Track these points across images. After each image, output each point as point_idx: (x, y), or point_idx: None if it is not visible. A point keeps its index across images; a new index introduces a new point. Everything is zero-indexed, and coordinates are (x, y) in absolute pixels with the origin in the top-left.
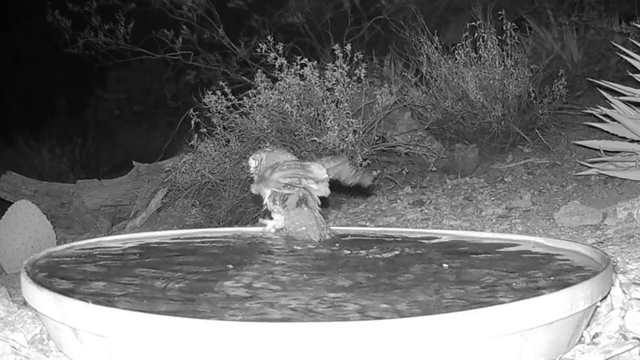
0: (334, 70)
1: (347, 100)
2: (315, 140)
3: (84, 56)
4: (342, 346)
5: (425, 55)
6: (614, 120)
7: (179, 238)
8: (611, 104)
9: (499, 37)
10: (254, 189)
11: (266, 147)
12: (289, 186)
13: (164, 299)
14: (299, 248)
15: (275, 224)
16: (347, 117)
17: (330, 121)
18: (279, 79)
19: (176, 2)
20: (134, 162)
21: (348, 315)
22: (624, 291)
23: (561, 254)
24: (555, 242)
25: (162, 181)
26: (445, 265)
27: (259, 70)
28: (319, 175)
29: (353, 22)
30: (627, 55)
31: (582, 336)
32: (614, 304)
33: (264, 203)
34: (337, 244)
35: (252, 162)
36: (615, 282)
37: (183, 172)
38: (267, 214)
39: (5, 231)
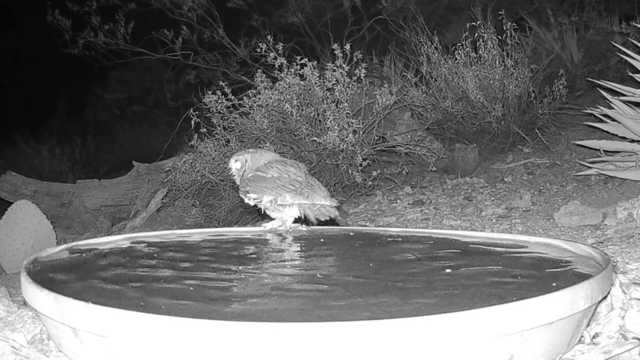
0: (334, 70)
1: (347, 100)
2: (315, 140)
3: (84, 56)
4: (341, 346)
5: (425, 55)
6: (614, 120)
7: (180, 238)
8: (611, 104)
9: (499, 37)
10: (250, 201)
11: (250, 148)
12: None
13: (165, 299)
14: (304, 247)
15: (274, 224)
16: (347, 117)
17: (330, 121)
18: (279, 79)
19: (176, 2)
20: (134, 162)
21: (355, 316)
22: (624, 291)
23: (561, 254)
24: (554, 242)
25: (162, 181)
26: (448, 271)
27: (259, 70)
28: (325, 203)
29: (353, 22)
30: (627, 55)
31: (582, 336)
32: (614, 304)
33: (262, 205)
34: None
35: (236, 164)
36: (615, 282)
37: (183, 172)
38: (266, 216)
39: (5, 231)
